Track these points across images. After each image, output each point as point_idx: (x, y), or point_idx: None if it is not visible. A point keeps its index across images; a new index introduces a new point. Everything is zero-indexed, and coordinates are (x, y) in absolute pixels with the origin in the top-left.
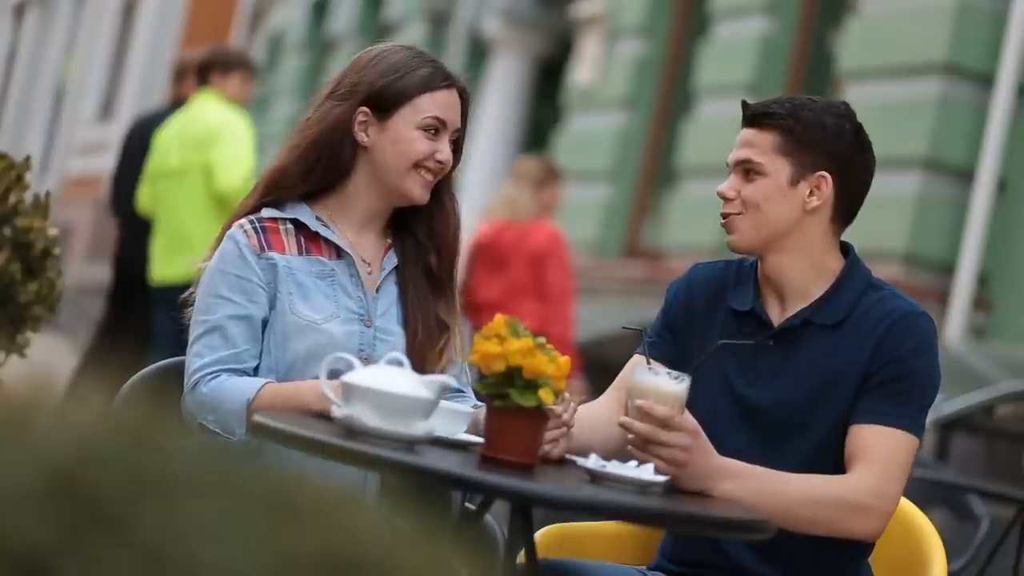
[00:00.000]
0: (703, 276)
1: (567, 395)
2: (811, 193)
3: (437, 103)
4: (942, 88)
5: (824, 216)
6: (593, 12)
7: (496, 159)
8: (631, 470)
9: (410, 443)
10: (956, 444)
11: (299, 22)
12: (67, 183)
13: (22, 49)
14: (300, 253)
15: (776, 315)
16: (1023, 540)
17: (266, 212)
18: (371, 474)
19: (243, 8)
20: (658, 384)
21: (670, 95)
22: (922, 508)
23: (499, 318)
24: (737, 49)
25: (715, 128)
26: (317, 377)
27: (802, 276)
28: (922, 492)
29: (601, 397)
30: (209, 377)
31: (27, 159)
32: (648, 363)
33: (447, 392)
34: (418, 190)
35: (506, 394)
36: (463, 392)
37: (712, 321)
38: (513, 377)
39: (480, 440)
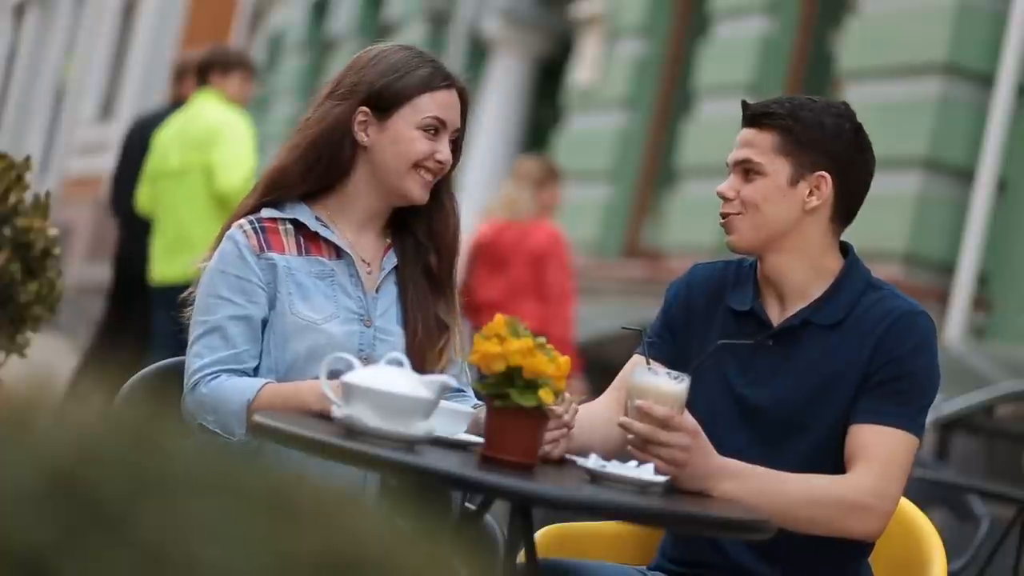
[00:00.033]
0: (703, 276)
1: (567, 395)
2: (810, 193)
3: (437, 103)
4: (942, 88)
5: (823, 216)
6: (593, 12)
7: (496, 159)
8: (631, 470)
9: (410, 443)
10: (956, 444)
11: (299, 22)
12: (67, 183)
13: (22, 49)
14: (300, 253)
15: (775, 315)
16: (1023, 540)
17: (266, 212)
18: (371, 474)
19: (243, 8)
20: (658, 384)
21: (670, 95)
22: (922, 508)
23: (499, 318)
24: (737, 49)
25: (715, 128)
26: (317, 377)
27: (801, 276)
28: (922, 492)
29: (601, 397)
30: (209, 377)
31: (27, 159)
32: (648, 363)
33: (447, 392)
34: (418, 190)
35: (506, 394)
36: (463, 392)
37: (712, 321)
38: (513, 377)
39: (480, 440)
